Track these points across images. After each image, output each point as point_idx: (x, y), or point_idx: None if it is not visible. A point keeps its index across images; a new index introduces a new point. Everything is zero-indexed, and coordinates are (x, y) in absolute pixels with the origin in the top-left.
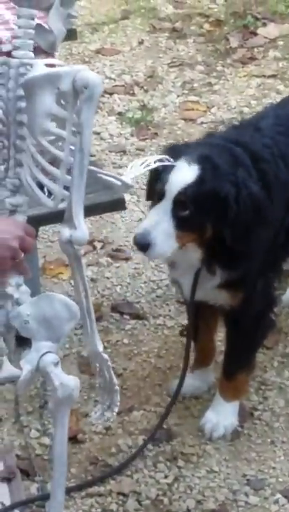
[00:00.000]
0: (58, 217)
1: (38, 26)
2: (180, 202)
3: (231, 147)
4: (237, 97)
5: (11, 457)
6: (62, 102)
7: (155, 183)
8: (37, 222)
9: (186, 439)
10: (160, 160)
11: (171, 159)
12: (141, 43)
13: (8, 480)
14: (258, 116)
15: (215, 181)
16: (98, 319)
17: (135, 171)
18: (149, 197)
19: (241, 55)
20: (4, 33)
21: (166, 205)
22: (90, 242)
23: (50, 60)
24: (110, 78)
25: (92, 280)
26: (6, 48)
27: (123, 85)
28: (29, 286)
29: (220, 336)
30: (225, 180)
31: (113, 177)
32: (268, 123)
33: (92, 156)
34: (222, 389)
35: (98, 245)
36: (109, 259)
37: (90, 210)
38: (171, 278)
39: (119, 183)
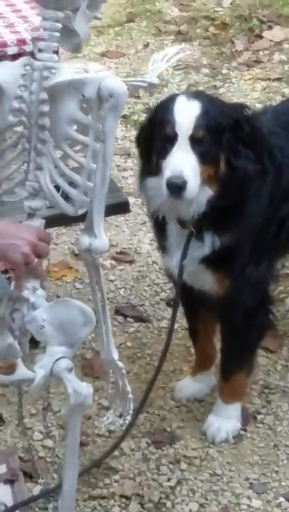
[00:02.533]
0: (61, 219)
1: (64, 28)
2: (196, 138)
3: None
4: (242, 100)
5: (14, 459)
6: (84, 106)
7: (151, 132)
8: (46, 225)
9: (189, 443)
10: (179, 51)
11: (187, 49)
12: (146, 45)
13: (10, 482)
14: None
15: (219, 110)
16: None
17: (158, 68)
18: (144, 149)
19: (246, 58)
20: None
21: (183, 144)
22: None
23: (75, 64)
24: None
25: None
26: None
27: (128, 88)
28: None
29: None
30: (228, 109)
31: (138, 81)
32: (266, 118)
33: None
34: (221, 391)
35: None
36: (113, 262)
37: None
38: (164, 266)
39: (145, 84)
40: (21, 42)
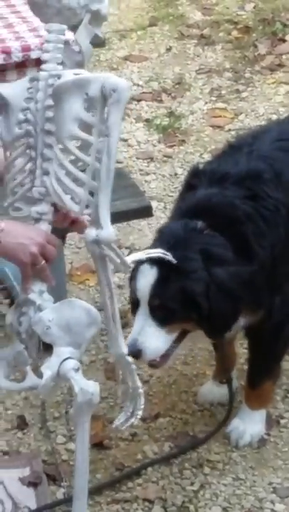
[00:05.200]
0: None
1: (66, 46)
2: (154, 305)
3: (195, 227)
4: (265, 104)
5: (38, 462)
6: (87, 106)
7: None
8: (64, 228)
9: (212, 447)
10: (161, 253)
11: (169, 254)
12: (169, 49)
13: (34, 485)
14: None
15: (178, 279)
16: (124, 326)
17: (136, 255)
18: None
19: (269, 61)
20: (33, 40)
21: (143, 310)
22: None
23: (78, 70)
24: (138, 85)
25: (119, 287)
26: (35, 54)
27: (151, 92)
28: (56, 292)
29: (245, 344)
30: (187, 277)
31: (116, 254)
32: (267, 138)
33: (119, 162)
34: (248, 398)
35: (125, 252)
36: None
37: (117, 217)
38: None
39: (118, 260)
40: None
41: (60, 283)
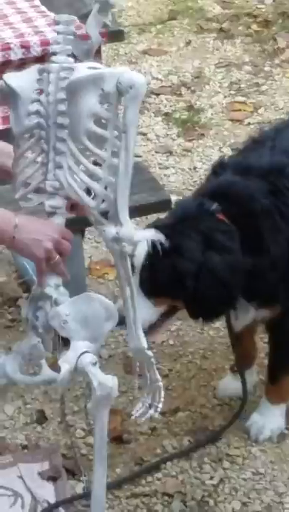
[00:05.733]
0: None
1: (73, 34)
2: (143, 276)
3: (208, 209)
4: (285, 98)
5: (57, 456)
6: (105, 103)
7: None
8: (83, 222)
9: (231, 441)
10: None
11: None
12: (188, 43)
13: (53, 479)
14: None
15: (172, 255)
16: None
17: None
18: None
19: None
20: (52, 35)
21: (135, 278)
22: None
23: (91, 63)
24: (157, 79)
25: None
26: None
27: (170, 86)
28: (75, 286)
29: (265, 338)
30: (181, 255)
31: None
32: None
33: (138, 156)
34: (268, 392)
35: None
36: None
37: (135, 211)
38: None
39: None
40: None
41: (80, 277)
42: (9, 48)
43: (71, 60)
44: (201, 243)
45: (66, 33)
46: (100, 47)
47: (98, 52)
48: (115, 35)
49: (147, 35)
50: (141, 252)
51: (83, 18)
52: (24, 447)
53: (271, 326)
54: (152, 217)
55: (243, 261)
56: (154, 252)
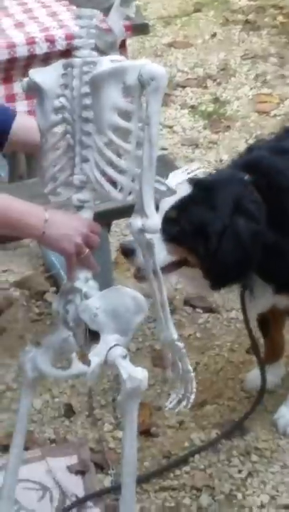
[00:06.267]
0: (130, 210)
1: (96, 27)
2: (169, 217)
3: (242, 178)
4: None
5: (85, 450)
6: (128, 96)
7: None
8: (110, 216)
9: (259, 434)
10: (201, 168)
11: (210, 167)
12: (214, 35)
13: (82, 473)
14: None
15: (203, 208)
16: (171, 313)
17: (177, 178)
18: None
19: None
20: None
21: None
22: None
23: (114, 57)
24: (183, 71)
25: None
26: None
27: (196, 78)
28: (102, 280)
29: None
30: (213, 211)
31: (159, 182)
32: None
33: (164, 149)
34: None
35: None
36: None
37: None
38: None
39: (164, 188)
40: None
41: (106, 271)
42: (34, 42)
43: (94, 53)
44: (231, 206)
45: (88, 27)
46: (124, 40)
47: (123, 45)
48: (140, 29)
49: (173, 28)
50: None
51: (106, 11)
52: (52, 441)
53: None
54: None
55: (267, 234)
56: (185, 200)
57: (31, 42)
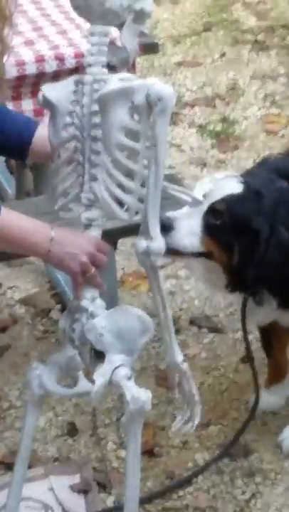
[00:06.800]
0: (136, 229)
1: (110, 43)
2: (215, 209)
3: (282, 187)
4: None
5: (88, 469)
6: (135, 115)
7: None
8: (116, 234)
9: (263, 455)
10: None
11: (239, 177)
12: (223, 55)
13: (84, 492)
14: None
15: (255, 208)
16: (176, 332)
17: (204, 188)
18: None
19: None
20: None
21: (200, 207)
22: None
23: (123, 75)
24: (191, 90)
25: (171, 293)
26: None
27: (204, 97)
28: (107, 298)
29: None
30: (263, 214)
31: (184, 192)
32: None
33: (172, 168)
34: None
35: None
36: (188, 271)
37: None
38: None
39: (189, 199)
40: (40, 60)
41: (112, 289)
42: (43, 60)
43: (105, 71)
44: (277, 215)
45: (100, 44)
46: (134, 59)
47: (132, 64)
48: (150, 48)
49: (182, 47)
50: (221, 187)
51: (119, 28)
52: (55, 460)
53: None
54: None
55: None
56: (235, 198)
57: (40, 60)
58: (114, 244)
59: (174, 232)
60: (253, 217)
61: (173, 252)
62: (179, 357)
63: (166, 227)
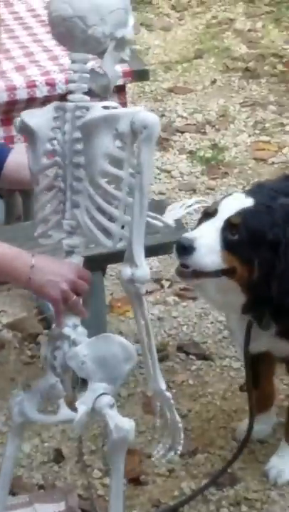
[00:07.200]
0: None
1: (91, 70)
2: (232, 224)
3: (286, 201)
4: None
5: (73, 497)
6: (119, 143)
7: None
8: (104, 260)
9: (250, 484)
10: (198, 202)
11: (209, 202)
12: (214, 82)
13: None
14: None
15: (269, 220)
16: (164, 359)
17: (176, 213)
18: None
19: None
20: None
21: (217, 223)
22: (158, 281)
23: (107, 103)
24: (182, 117)
25: (159, 319)
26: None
27: (195, 124)
28: (96, 323)
29: (286, 380)
30: (278, 226)
31: (155, 218)
32: None
33: (162, 194)
34: (288, 435)
35: (166, 284)
36: (176, 298)
37: (157, 250)
38: (228, 327)
39: (161, 224)
40: (32, 86)
41: (101, 314)
42: (34, 86)
43: (87, 98)
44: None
45: (81, 71)
46: (124, 85)
47: (123, 90)
48: (140, 75)
49: (173, 73)
50: (234, 202)
51: (100, 55)
52: (40, 487)
53: None
54: (174, 255)
55: None
56: (250, 211)
57: (32, 85)
58: (103, 270)
59: (195, 252)
60: (268, 229)
61: (195, 274)
62: (162, 384)
63: (188, 249)
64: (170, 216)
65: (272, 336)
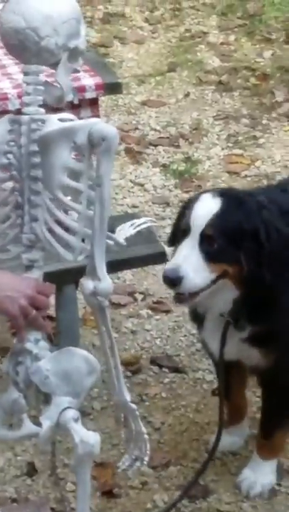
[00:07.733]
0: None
1: (45, 82)
2: (206, 236)
3: (256, 196)
4: (282, 151)
5: (46, 510)
6: (75, 155)
7: (179, 224)
8: (77, 272)
9: (222, 496)
10: (145, 222)
11: (155, 222)
12: (187, 95)
13: None
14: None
15: (241, 215)
16: (137, 372)
17: (126, 232)
18: (171, 241)
19: (287, 109)
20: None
21: (193, 239)
22: (131, 294)
23: (62, 115)
24: (155, 130)
25: (132, 332)
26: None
27: (168, 137)
28: (69, 336)
29: (258, 392)
30: (252, 215)
31: (107, 237)
32: None
33: (135, 207)
34: (259, 448)
35: (139, 297)
36: (149, 311)
37: (131, 263)
38: (201, 338)
39: (112, 242)
40: (3, 98)
41: (73, 327)
42: (7, 98)
43: (42, 111)
44: (260, 212)
45: (35, 84)
46: (97, 98)
47: (96, 103)
48: (113, 88)
49: (147, 87)
50: (203, 212)
51: (53, 66)
52: (14, 500)
53: (263, 380)
54: (148, 268)
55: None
56: (220, 215)
57: (4, 98)
58: (76, 283)
59: (184, 279)
60: (244, 222)
61: (192, 295)
62: (127, 395)
63: (177, 280)
64: (121, 235)
65: (244, 342)
